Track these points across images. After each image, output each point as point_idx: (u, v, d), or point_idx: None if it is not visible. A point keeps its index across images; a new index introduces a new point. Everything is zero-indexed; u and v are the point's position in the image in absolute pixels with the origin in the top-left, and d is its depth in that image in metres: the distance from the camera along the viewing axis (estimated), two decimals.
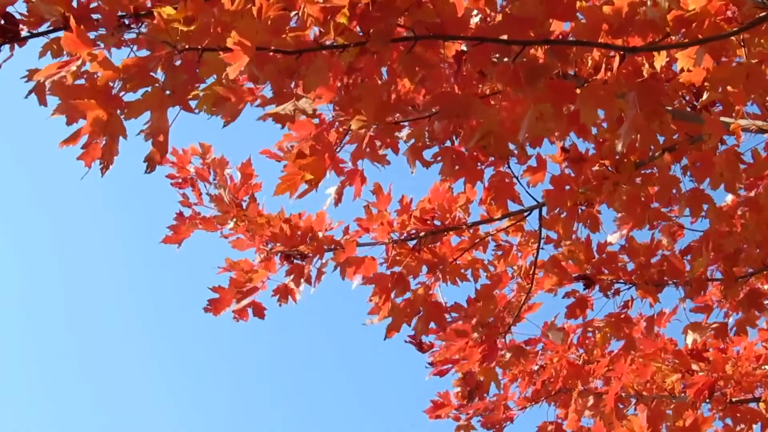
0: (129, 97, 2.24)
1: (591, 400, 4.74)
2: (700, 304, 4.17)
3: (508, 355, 4.13)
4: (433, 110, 2.92)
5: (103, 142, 2.24)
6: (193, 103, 2.33)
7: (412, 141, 3.30)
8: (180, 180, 4.36)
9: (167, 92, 2.22)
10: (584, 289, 4.23)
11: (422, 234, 3.98)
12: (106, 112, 2.20)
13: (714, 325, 4.19)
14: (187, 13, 2.12)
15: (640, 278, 4.03)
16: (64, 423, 14.25)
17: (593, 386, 4.86)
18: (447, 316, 4.01)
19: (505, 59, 2.60)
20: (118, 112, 2.21)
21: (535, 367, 4.84)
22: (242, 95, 2.46)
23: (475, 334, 4.00)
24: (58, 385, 14.57)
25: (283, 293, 4.10)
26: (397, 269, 4.00)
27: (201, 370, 14.67)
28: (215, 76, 2.29)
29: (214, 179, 4.35)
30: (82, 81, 2.16)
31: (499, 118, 2.74)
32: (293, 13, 2.37)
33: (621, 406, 4.73)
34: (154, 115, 2.27)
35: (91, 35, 2.37)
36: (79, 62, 2.08)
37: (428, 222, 4.00)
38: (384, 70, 2.92)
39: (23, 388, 14.64)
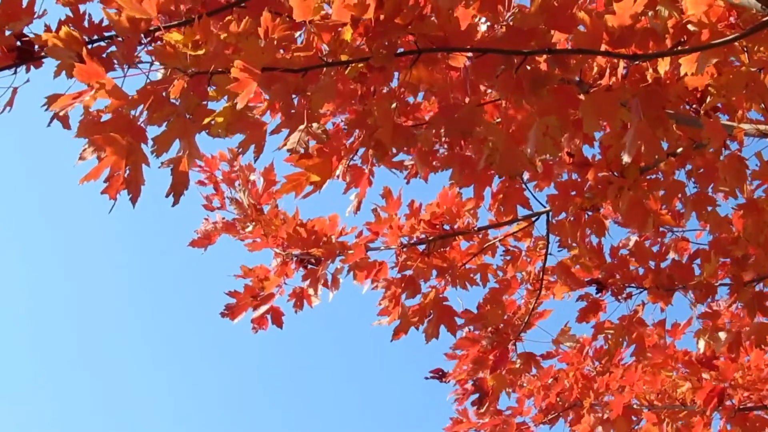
0: (152, 130, 2.25)
1: (604, 414, 4.75)
2: (709, 309, 4.17)
3: (519, 361, 4.16)
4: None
5: (126, 172, 2.24)
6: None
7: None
8: (206, 182, 4.42)
9: (188, 116, 2.24)
10: (597, 293, 4.26)
11: (431, 238, 4.03)
12: (127, 143, 2.22)
13: (729, 333, 4.18)
14: (195, 37, 2.16)
15: (651, 282, 4.06)
16: (67, 422, 14.50)
17: (606, 400, 4.87)
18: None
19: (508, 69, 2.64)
20: (146, 146, 2.22)
21: (550, 381, 4.86)
22: (258, 125, 2.48)
23: (485, 342, 4.04)
24: (59, 382, 14.81)
25: (299, 298, 4.13)
26: (408, 273, 4.05)
27: (206, 372, 14.79)
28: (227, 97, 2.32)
29: (239, 184, 4.41)
30: (108, 116, 2.19)
31: (505, 133, 2.77)
32: (298, 33, 2.43)
33: (634, 419, 4.74)
34: (183, 142, 2.28)
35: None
36: (92, 92, 2.11)
37: (437, 226, 4.05)
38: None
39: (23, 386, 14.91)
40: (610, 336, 4.38)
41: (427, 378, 4.46)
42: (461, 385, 4.52)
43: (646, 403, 4.93)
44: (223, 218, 4.38)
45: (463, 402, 4.63)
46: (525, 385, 4.96)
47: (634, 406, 4.88)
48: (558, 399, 4.93)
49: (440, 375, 4.45)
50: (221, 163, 4.39)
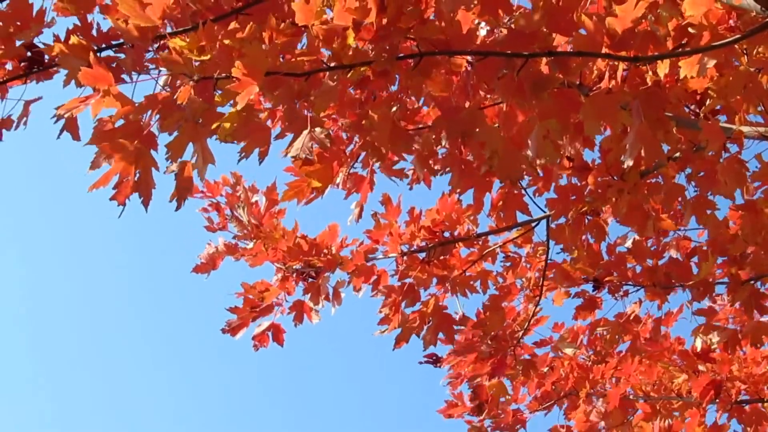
0: (162, 136, 2.23)
1: (600, 403, 4.75)
2: (705, 306, 4.18)
3: (519, 367, 4.15)
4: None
5: (136, 176, 2.21)
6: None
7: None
8: (210, 209, 4.39)
9: (199, 120, 2.22)
10: (593, 290, 4.26)
11: (431, 245, 4.01)
12: (135, 149, 2.19)
13: (724, 331, 4.18)
14: (200, 43, 2.14)
15: (649, 281, 4.06)
16: (67, 422, 14.44)
17: (602, 390, 4.87)
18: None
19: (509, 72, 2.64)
20: (155, 152, 2.19)
21: (545, 369, 4.85)
22: (262, 129, 2.45)
23: (484, 347, 4.02)
24: (59, 382, 14.74)
25: (299, 311, 4.07)
26: (408, 280, 4.03)
27: (207, 372, 14.74)
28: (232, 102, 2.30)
29: (240, 203, 4.38)
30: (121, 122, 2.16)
31: (505, 137, 2.76)
32: (301, 38, 2.42)
33: (629, 409, 4.74)
34: (196, 146, 2.25)
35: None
36: (98, 96, 2.09)
37: (437, 233, 4.03)
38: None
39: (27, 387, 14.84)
40: (605, 333, 4.38)
41: (421, 363, 4.42)
42: (456, 371, 4.50)
43: (642, 394, 4.93)
44: (226, 241, 4.36)
45: (458, 386, 4.60)
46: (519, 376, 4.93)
47: (630, 397, 4.88)
48: (553, 387, 4.92)
49: (434, 360, 4.42)
50: (224, 188, 4.37)
